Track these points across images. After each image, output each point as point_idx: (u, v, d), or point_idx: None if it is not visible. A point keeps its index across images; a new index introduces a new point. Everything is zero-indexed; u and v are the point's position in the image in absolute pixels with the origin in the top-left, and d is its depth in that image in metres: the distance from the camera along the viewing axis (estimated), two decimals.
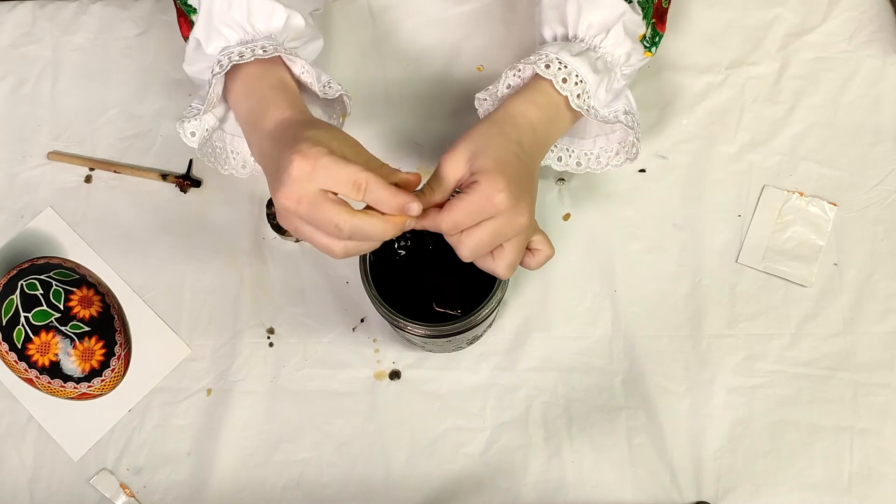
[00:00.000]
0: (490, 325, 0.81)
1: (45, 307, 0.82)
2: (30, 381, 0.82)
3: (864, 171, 0.84)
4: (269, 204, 0.84)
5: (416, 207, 0.61)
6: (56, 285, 0.82)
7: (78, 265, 0.85)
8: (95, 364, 0.82)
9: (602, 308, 0.82)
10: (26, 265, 0.83)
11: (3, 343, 0.82)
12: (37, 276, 0.82)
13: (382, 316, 0.69)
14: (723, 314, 0.82)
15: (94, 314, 0.83)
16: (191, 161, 0.87)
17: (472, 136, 0.67)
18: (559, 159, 0.78)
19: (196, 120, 0.72)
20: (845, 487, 0.78)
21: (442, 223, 0.63)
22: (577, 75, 0.69)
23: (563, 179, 0.85)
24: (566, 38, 0.73)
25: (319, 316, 0.83)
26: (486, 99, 0.75)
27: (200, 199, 0.86)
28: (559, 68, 0.69)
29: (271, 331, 0.84)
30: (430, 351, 0.82)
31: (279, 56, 0.71)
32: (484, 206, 0.63)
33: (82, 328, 0.82)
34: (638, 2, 0.73)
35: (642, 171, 0.85)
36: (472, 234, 0.63)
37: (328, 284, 0.84)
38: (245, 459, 0.81)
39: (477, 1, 0.90)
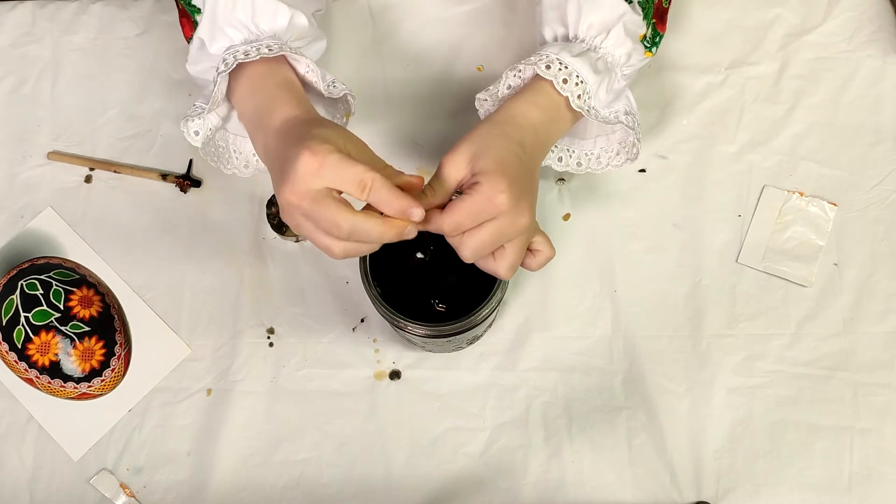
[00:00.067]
0: (490, 325, 0.81)
1: (45, 307, 0.82)
2: (30, 381, 0.82)
3: (864, 171, 0.84)
4: (269, 204, 0.84)
5: (418, 213, 0.61)
6: (56, 285, 0.82)
7: (78, 265, 0.85)
8: (95, 364, 0.82)
9: (602, 308, 0.82)
10: (26, 265, 0.83)
11: (3, 343, 0.82)
12: (37, 276, 0.82)
13: (382, 316, 0.69)
14: (723, 314, 0.82)
15: (94, 314, 0.83)
16: (191, 161, 0.87)
17: (474, 137, 0.67)
18: (560, 159, 0.78)
19: (200, 119, 0.73)
20: (845, 487, 0.78)
21: (444, 224, 0.63)
22: (577, 76, 0.69)
23: (563, 179, 0.85)
24: (567, 39, 0.73)
25: (319, 316, 0.83)
26: (486, 99, 0.75)
27: (200, 199, 0.86)
28: (560, 69, 0.69)
29: (271, 331, 0.84)
30: (430, 351, 0.82)
31: (284, 56, 0.71)
32: (485, 207, 0.63)
33: (82, 328, 0.82)
34: (638, 2, 0.73)
35: (642, 171, 0.85)
36: (474, 235, 0.63)
37: (328, 284, 0.84)
38: (245, 459, 0.81)
39: (477, 1, 0.90)
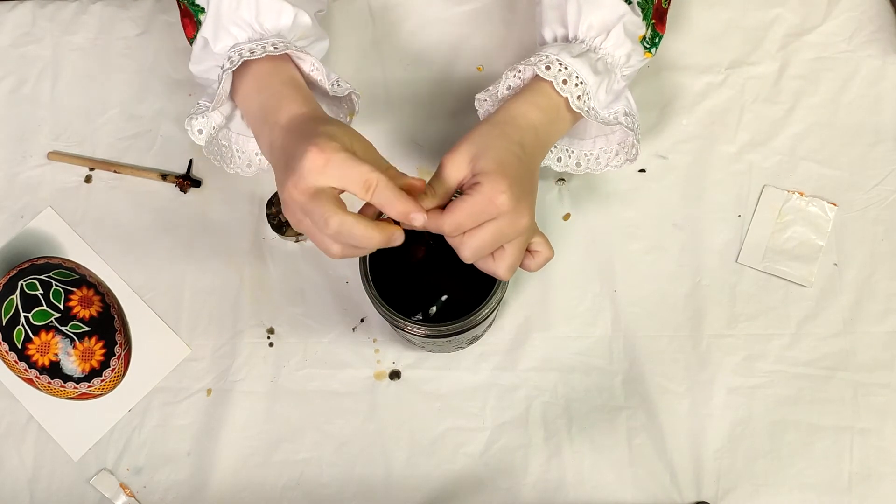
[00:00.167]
0: (490, 325, 0.81)
1: (45, 307, 0.82)
2: (30, 381, 0.82)
3: (864, 171, 0.84)
4: (269, 204, 0.84)
5: (420, 218, 0.61)
6: (56, 285, 0.82)
7: (78, 265, 0.85)
8: (95, 364, 0.82)
9: (602, 308, 0.82)
10: (26, 265, 0.83)
11: (3, 343, 0.82)
12: (37, 276, 0.82)
13: (382, 316, 0.69)
14: (723, 314, 0.82)
15: (94, 314, 0.83)
16: (191, 161, 0.87)
17: (474, 138, 0.67)
18: (559, 160, 0.78)
19: (203, 118, 0.73)
20: (845, 487, 0.78)
21: (444, 225, 0.63)
22: (577, 76, 0.69)
23: (563, 179, 0.85)
24: (566, 39, 0.73)
25: (319, 316, 0.83)
26: (485, 100, 0.75)
27: (200, 199, 0.86)
28: (559, 69, 0.69)
29: (271, 331, 0.84)
30: (430, 351, 0.82)
31: (288, 55, 0.71)
32: (486, 207, 0.63)
33: (82, 328, 0.82)
34: (638, 3, 0.73)
35: (642, 171, 0.85)
36: (474, 235, 0.63)
37: (328, 284, 0.84)
38: (245, 459, 0.81)
39: (477, 1, 0.90)
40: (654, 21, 0.75)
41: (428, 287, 0.72)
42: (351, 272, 0.84)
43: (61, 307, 0.82)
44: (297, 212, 0.62)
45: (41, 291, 0.82)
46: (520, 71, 0.72)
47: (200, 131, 0.73)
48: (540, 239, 0.68)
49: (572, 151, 0.78)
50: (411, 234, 0.65)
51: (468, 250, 0.64)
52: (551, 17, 0.74)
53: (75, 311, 0.82)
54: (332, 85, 0.73)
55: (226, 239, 0.85)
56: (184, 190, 0.86)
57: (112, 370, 0.82)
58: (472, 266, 0.66)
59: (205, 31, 0.72)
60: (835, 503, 0.78)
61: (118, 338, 0.83)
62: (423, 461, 0.81)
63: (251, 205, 0.86)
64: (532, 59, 0.71)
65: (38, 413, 0.83)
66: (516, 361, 0.82)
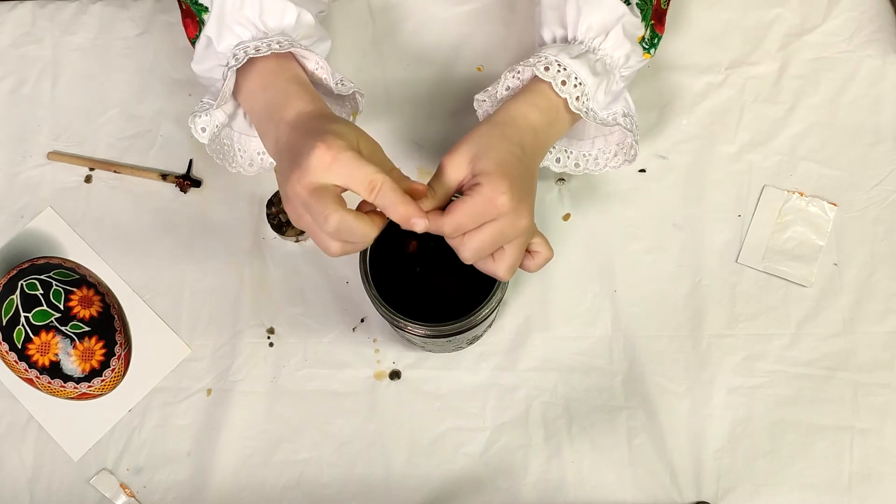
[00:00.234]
0: (490, 325, 0.81)
1: (45, 307, 0.82)
2: (30, 381, 0.82)
3: (864, 171, 0.84)
4: (269, 204, 0.84)
5: (421, 223, 0.62)
6: (56, 285, 0.82)
7: (78, 265, 0.85)
8: (95, 364, 0.82)
9: (602, 308, 0.82)
10: (26, 265, 0.83)
11: (3, 343, 0.82)
12: (37, 276, 0.82)
13: (382, 316, 0.69)
14: (723, 314, 0.82)
15: (94, 314, 0.83)
16: (191, 161, 0.87)
17: (474, 138, 0.67)
18: (557, 160, 0.78)
19: (207, 116, 0.73)
20: (845, 487, 0.78)
21: (444, 226, 0.63)
22: (576, 77, 0.69)
23: (562, 180, 0.85)
24: (565, 40, 0.73)
25: (319, 316, 0.84)
26: (484, 100, 0.75)
27: (200, 199, 0.86)
28: (558, 70, 0.69)
29: (271, 331, 0.84)
30: (430, 351, 0.82)
31: (292, 54, 0.71)
32: (487, 208, 0.63)
33: (82, 328, 0.82)
34: (637, 3, 0.73)
35: (642, 171, 0.85)
36: (475, 236, 0.63)
37: (328, 284, 0.84)
38: (245, 459, 0.81)
39: (477, 1, 0.90)
40: (652, 22, 0.75)
41: (428, 287, 0.72)
42: (351, 272, 0.84)
43: (61, 307, 0.82)
44: (298, 207, 0.62)
45: (41, 291, 0.82)
46: (519, 72, 0.72)
47: (203, 129, 0.73)
48: (539, 239, 0.68)
49: (571, 152, 0.78)
50: (411, 234, 0.65)
51: (468, 251, 0.64)
52: (550, 18, 0.73)
53: (75, 311, 0.82)
54: (337, 84, 0.73)
55: (226, 239, 0.85)
56: (184, 190, 0.86)
57: (112, 370, 0.82)
58: (472, 266, 0.66)
59: (208, 30, 0.72)
60: (835, 503, 0.78)
61: (118, 338, 0.83)
62: (423, 461, 0.81)
63: (251, 205, 0.86)
64: (531, 59, 0.71)
65: (38, 413, 0.83)
66: (516, 361, 0.82)
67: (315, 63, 0.72)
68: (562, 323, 0.82)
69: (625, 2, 0.71)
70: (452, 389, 0.82)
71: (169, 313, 0.84)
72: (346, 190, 0.62)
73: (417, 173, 0.85)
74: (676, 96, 0.86)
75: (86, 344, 0.82)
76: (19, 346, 0.81)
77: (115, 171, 0.87)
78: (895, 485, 0.78)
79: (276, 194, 0.84)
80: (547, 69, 0.69)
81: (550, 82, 0.69)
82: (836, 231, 0.83)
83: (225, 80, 0.70)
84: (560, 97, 0.70)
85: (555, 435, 0.80)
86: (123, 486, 0.81)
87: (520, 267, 0.68)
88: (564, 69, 0.69)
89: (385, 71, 0.89)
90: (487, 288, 0.68)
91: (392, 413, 0.82)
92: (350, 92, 0.74)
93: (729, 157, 0.85)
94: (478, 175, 0.64)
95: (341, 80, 0.73)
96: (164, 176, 0.86)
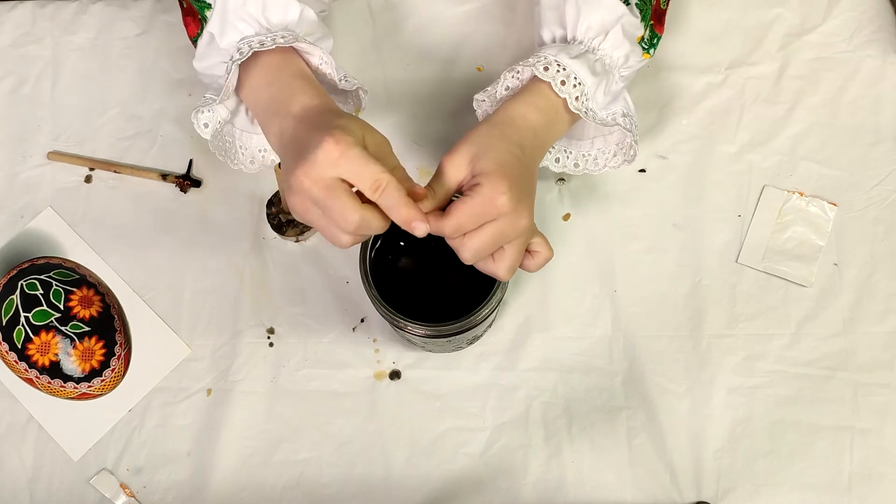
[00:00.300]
0: (490, 325, 0.81)
1: (45, 307, 0.82)
2: (30, 381, 0.82)
3: (864, 171, 0.84)
4: (269, 204, 0.84)
5: (422, 228, 0.62)
6: (56, 285, 0.82)
7: (78, 265, 0.85)
8: (95, 364, 0.82)
9: (602, 308, 0.82)
10: (26, 265, 0.83)
11: (3, 343, 0.82)
12: (37, 276, 0.82)
13: (382, 316, 0.69)
14: (723, 314, 0.82)
15: (94, 314, 0.83)
16: (191, 161, 0.87)
17: (473, 138, 0.67)
18: (557, 160, 0.78)
19: (210, 111, 0.73)
20: (845, 487, 0.78)
21: (445, 227, 0.63)
22: (575, 77, 0.69)
23: (562, 179, 0.85)
24: (565, 40, 0.73)
25: (319, 316, 0.83)
26: (484, 100, 0.75)
27: (200, 199, 0.86)
28: (558, 70, 0.69)
29: (271, 331, 0.84)
30: (430, 351, 0.82)
31: (295, 49, 0.71)
32: (487, 208, 0.63)
33: (82, 328, 0.82)
34: (636, 3, 0.73)
35: (642, 171, 0.85)
36: (475, 236, 0.64)
37: (328, 284, 0.84)
38: (245, 459, 0.81)
39: (477, 1, 0.90)
40: (652, 22, 0.75)
41: (428, 287, 0.72)
42: (351, 272, 0.84)
43: (61, 307, 0.82)
44: (304, 200, 0.62)
45: (41, 291, 0.82)
46: (518, 72, 0.72)
47: (206, 125, 0.73)
48: (539, 239, 0.68)
49: (570, 152, 0.78)
50: (411, 235, 0.65)
51: (468, 252, 0.64)
52: (550, 18, 0.74)
53: (75, 311, 0.82)
54: (342, 79, 0.73)
55: (226, 239, 0.85)
56: (184, 190, 0.86)
57: (112, 370, 0.82)
58: (472, 266, 0.66)
59: (211, 27, 0.72)
60: (835, 503, 0.78)
61: (118, 338, 0.83)
62: (423, 461, 0.81)
63: (251, 205, 0.86)
64: (530, 59, 0.71)
65: (38, 413, 0.83)
66: (516, 361, 0.82)
67: (319, 58, 0.72)
68: (562, 323, 0.82)
69: (624, 2, 0.71)
70: (452, 389, 0.82)
71: (169, 313, 0.84)
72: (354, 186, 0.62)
73: (417, 173, 0.85)
74: (676, 96, 0.86)
75: (86, 344, 0.82)
76: (19, 346, 0.81)
77: (115, 171, 0.87)
78: (895, 485, 0.78)
79: (276, 194, 0.84)
80: (546, 69, 0.69)
81: (550, 82, 0.69)
82: (836, 231, 0.83)
83: (228, 74, 0.70)
84: (559, 97, 0.70)
85: (555, 435, 0.80)
86: (123, 486, 0.81)
87: (520, 267, 0.68)
88: (564, 69, 0.69)
89: (385, 71, 0.89)
90: (487, 288, 0.68)
91: (392, 413, 0.82)
92: (354, 88, 0.74)
93: (729, 157, 0.85)
94: (477, 175, 0.64)
95: (345, 76, 0.73)
96: (164, 176, 0.86)
